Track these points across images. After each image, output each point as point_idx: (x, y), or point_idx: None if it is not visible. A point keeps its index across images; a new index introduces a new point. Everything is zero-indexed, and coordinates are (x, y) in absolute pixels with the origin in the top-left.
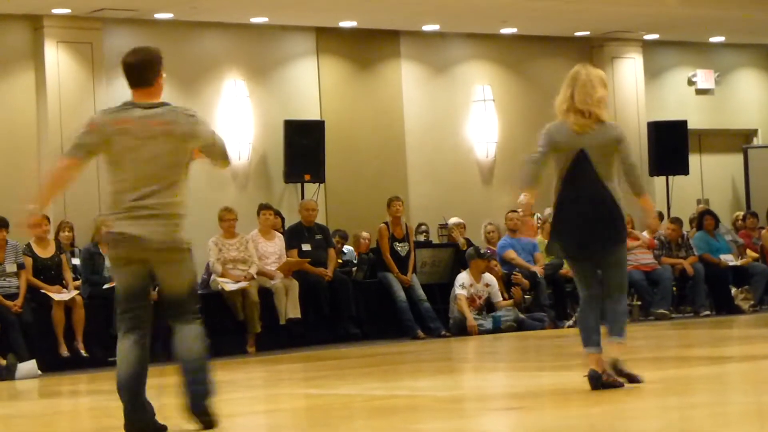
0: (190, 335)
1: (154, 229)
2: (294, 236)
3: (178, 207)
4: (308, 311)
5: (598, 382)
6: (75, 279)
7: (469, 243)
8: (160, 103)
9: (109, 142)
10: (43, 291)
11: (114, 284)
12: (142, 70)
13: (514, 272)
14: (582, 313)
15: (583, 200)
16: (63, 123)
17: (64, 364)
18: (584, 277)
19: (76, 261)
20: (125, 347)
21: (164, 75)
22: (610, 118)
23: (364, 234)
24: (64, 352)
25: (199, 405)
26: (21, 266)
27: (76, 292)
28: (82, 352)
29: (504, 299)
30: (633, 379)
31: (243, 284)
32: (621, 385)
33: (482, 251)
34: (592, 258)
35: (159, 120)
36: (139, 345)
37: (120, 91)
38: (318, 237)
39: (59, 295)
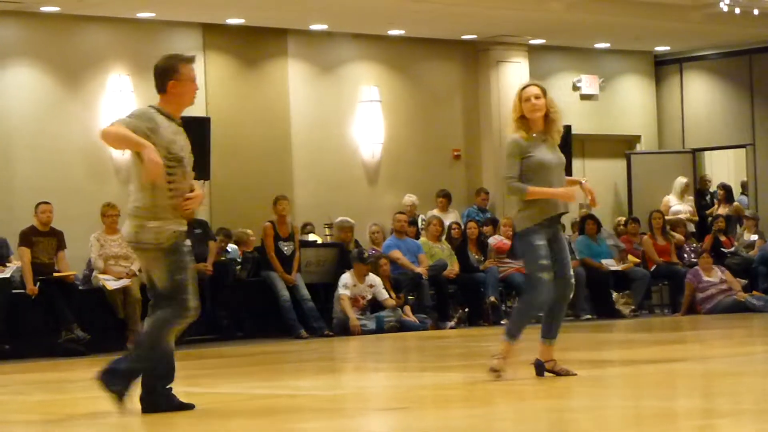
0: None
1: (126, 229)
2: None
3: (140, 208)
4: None
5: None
6: None
7: (356, 244)
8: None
9: None
10: None
11: None
12: (156, 77)
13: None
14: None
15: None
16: None
17: None
18: None
19: None
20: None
21: (177, 82)
22: (484, 122)
23: (250, 232)
24: None
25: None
26: None
27: None
28: None
29: (390, 298)
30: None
31: (125, 282)
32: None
33: (365, 255)
34: None
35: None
36: None
37: (4, 83)
38: (197, 231)
39: None
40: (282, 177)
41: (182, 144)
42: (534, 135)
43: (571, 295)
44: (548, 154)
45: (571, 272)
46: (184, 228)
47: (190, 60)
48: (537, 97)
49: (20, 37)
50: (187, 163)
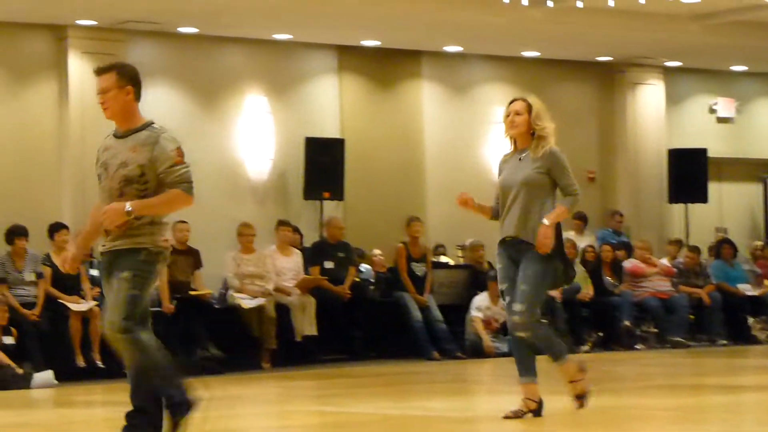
0: None
1: None
2: (317, 253)
3: None
4: (324, 329)
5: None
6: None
7: (490, 265)
8: None
9: None
10: (60, 301)
11: None
12: None
13: None
14: None
15: None
16: (85, 134)
17: (80, 375)
18: None
19: (94, 272)
20: None
21: None
22: (619, 144)
23: (376, 251)
24: (81, 362)
25: None
26: (40, 275)
27: (94, 303)
28: (99, 362)
29: None
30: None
31: (260, 301)
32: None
33: None
34: None
35: None
36: None
37: (142, 103)
38: (341, 255)
39: (77, 306)
40: (415, 198)
41: (104, 159)
42: (515, 153)
43: (521, 335)
44: (512, 174)
45: (518, 309)
46: (103, 246)
47: (95, 72)
48: (518, 113)
49: (158, 57)
50: (107, 178)
